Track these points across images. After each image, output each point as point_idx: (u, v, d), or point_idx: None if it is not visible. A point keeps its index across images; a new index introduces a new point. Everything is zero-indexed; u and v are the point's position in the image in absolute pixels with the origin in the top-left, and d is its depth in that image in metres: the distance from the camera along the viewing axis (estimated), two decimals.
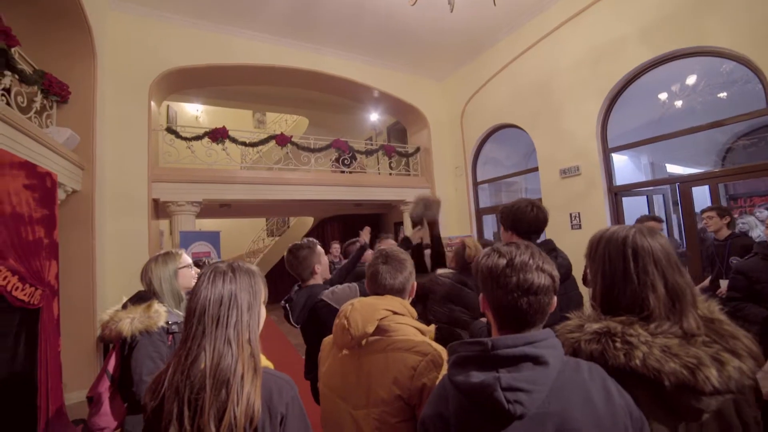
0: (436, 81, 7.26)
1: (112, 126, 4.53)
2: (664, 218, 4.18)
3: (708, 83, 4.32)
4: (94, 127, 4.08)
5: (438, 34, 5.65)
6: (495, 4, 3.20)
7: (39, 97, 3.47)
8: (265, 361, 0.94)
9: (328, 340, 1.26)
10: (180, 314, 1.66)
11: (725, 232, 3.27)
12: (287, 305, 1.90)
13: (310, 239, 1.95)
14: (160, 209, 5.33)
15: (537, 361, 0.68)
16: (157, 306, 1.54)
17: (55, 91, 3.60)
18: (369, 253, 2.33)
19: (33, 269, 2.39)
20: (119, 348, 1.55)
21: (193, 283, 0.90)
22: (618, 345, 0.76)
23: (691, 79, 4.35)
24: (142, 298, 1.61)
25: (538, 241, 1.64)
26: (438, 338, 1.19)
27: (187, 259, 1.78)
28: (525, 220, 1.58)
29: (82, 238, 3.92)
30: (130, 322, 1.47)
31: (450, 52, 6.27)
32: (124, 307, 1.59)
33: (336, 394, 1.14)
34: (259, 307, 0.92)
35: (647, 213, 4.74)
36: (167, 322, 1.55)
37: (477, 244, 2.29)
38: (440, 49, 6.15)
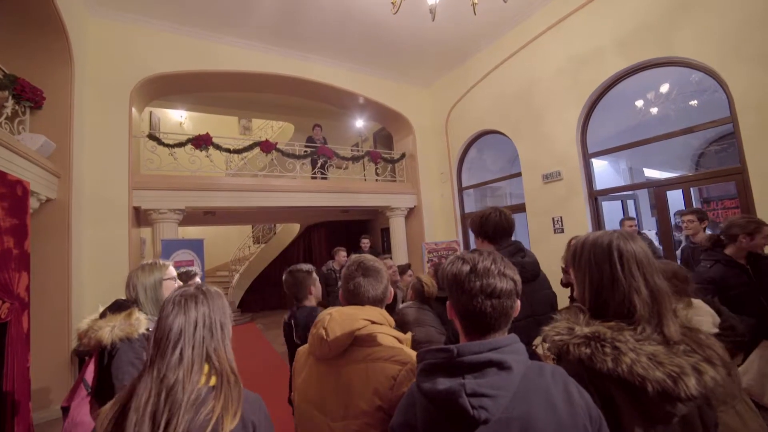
0: (421, 88, 7.35)
1: (91, 133, 4.43)
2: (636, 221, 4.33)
3: (680, 92, 4.49)
4: (71, 134, 3.97)
5: (422, 42, 5.74)
6: (475, 14, 3.27)
7: (10, 103, 3.36)
8: None
9: (303, 350, 1.24)
10: None
11: (702, 236, 3.39)
12: (292, 322, 1.97)
13: (309, 265, 2.09)
14: (141, 217, 5.21)
15: (501, 366, 0.70)
16: (138, 314, 1.55)
17: (28, 97, 3.50)
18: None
19: (0, 281, 2.30)
20: (98, 357, 1.53)
21: None
22: (607, 350, 0.79)
23: (664, 88, 4.52)
24: (121, 306, 1.61)
25: (509, 242, 1.69)
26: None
27: (172, 271, 1.81)
28: (490, 224, 1.68)
29: (58, 248, 3.79)
30: (110, 330, 1.46)
31: (434, 59, 6.36)
32: (103, 315, 1.58)
33: (313, 406, 1.12)
34: (229, 326, 0.99)
35: (623, 217, 4.87)
36: (147, 329, 1.55)
37: (433, 281, 2.36)
38: (424, 56, 6.24)
